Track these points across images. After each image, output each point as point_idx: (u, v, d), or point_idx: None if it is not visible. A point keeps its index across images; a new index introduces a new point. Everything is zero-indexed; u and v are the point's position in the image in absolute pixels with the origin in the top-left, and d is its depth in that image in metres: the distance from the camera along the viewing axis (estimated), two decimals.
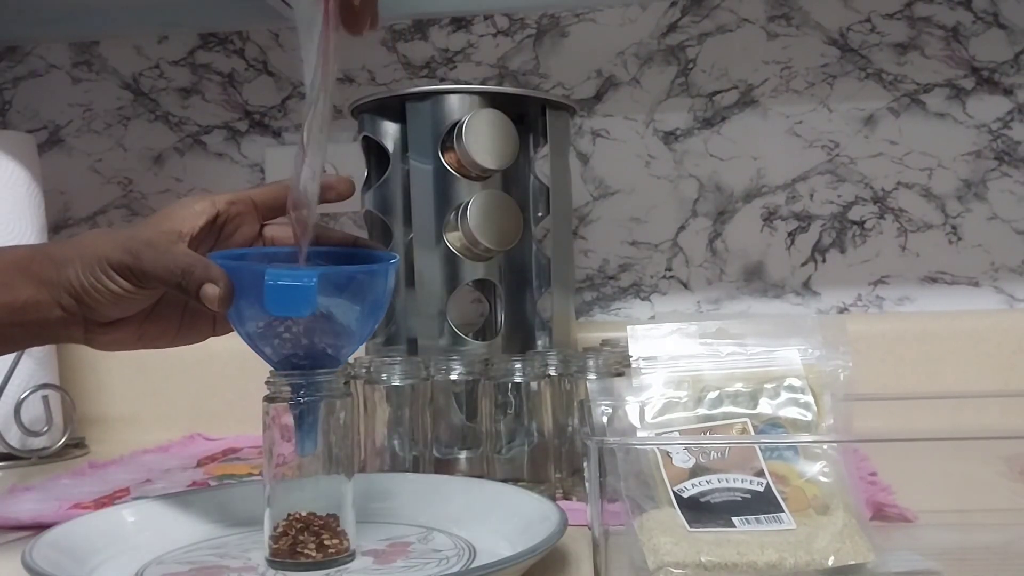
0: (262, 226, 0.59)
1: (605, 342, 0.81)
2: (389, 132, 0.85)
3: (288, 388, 0.55)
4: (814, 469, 0.52)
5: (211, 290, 0.52)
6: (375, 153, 0.87)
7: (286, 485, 0.55)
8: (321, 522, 0.54)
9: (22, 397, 0.93)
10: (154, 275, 0.53)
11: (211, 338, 0.62)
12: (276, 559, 0.54)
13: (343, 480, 0.55)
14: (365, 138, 0.86)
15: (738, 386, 0.56)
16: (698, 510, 0.50)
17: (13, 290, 0.55)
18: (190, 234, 0.55)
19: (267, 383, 0.55)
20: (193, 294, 0.52)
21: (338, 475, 0.55)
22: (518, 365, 0.71)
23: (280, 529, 0.54)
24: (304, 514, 0.54)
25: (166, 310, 0.59)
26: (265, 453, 0.55)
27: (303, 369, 0.54)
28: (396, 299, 0.84)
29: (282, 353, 0.54)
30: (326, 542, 0.54)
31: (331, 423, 0.55)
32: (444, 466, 0.73)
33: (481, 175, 0.80)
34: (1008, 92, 1.01)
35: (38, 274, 0.55)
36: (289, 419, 0.55)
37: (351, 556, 0.55)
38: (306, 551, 0.54)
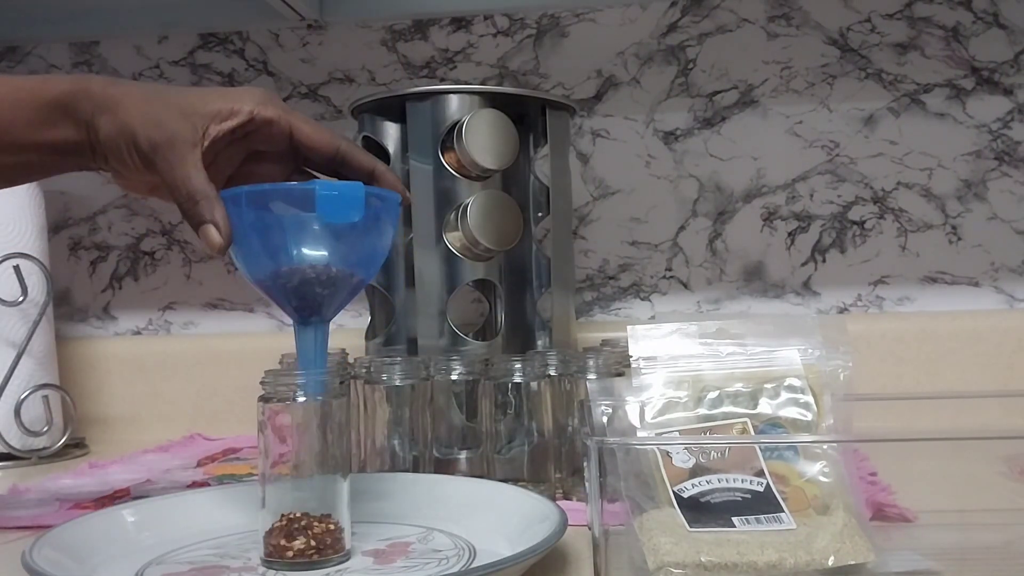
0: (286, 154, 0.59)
1: (605, 342, 0.81)
2: (389, 132, 0.85)
3: (283, 388, 0.55)
4: (814, 469, 0.52)
5: (212, 233, 0.53)
6: (375, 153, 0.87)
7: (281, 485, 0.55)
8: (316, 522, 0.54)
9: (22, 397, 0.93)
10: (166, 180, 0.54)
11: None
12: (271, 559, 0.54)
13: (338, 480, 0.55)
14: (365, 138, 0.86)
15: (738, 386, 0.56)
16: (698, 510, 0.50)
17: (56, 129, 0.55)
18: (216, 134, 0.55)
19: (262, 383, 0.55)
20: (192, 225, 0.53)
21: (333, 475, 0.55)
22: (518, 365, 0.71)
23: (275, 529, 0.54)
24: (299, 514, 0.54)
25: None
26: (260, 453, 0.55)
27: (319, 304, 0.55)
28: (396, 298, 0.84)
29: (304, 283, 0.54)
30: (320, 542, 0.54)
31: (327, 423, 0.55)
32: (444, 466, 0.73)
33: (481, 175, 0.80)
34: (1008, 92, 1.01)
35: (78, 114, 0.55)
36: (285, 419, 0.55)
37: (347, 556, 0.55)
38: (300, 550, 0.54)
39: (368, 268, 0.58)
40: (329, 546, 0.54)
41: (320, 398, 0.55)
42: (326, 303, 0.56)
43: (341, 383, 0.57)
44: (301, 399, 0.54)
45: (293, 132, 0.57)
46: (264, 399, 0.55)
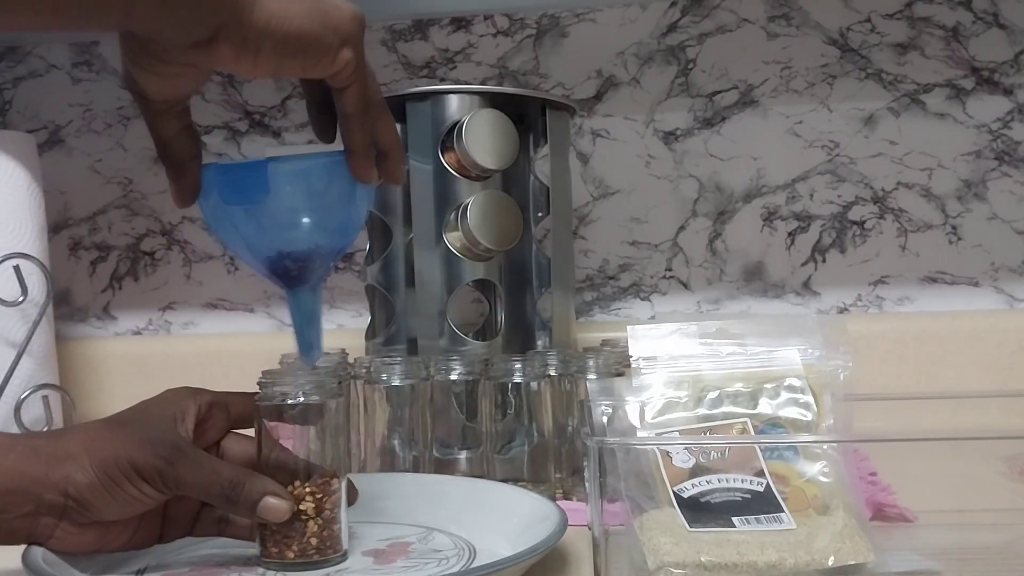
0: (228, 431, 0.59)
1: (605, 342, 0.81)
2: None
3: (280, 389, 0.54)
4: (814, 469, 0.53)
5: (273, 503, 0.52)
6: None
7: None
8: (314, 522, 0.54)
9: (22, 397, 0.93)
10: (193, 485, 0.52)
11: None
12: (267, 559, 0.54)
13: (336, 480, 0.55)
14: None
15: (738, 386, 0.56)
16: (698, 510, 0.50)
17: None
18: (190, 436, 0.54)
19: (259, 383, 0.55)
20: (246, 507, 0.52)
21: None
22: (518, 365, 0.71)
23: (270, 528, 0.54)
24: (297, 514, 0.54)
25: (148, 514, 0.55)
26: (256, 453, 0.55)
27: (295, 272, 0.54)
28: (396, 298, 0.84)
29: (275, 250, 0.54)
30: (319, 542, 0.54)
31: (325, 423, 0.55)
32: (444, 466, 0.73)
33: (481, 175, 0.80)
34: (1008, 92, 1.01)
35: (14, 466, 0.51)
36: (282, 419, 0.55)
37: (343, 556, 0.55)
38: (299, 551, 0.53)
39: (341, 235, 0.56)
40: (328, 547, 0.54)
41: (316, 399, 0.54)
42: (303, 275, 0.55)
43: (339, 383, 0.57)
44: (299, 399, 0.54)
45: (228, 405, 0.58)
46: (262, 399, 0.55)
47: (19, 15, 0.41)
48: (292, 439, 0.56)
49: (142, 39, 0.47)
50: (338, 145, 0.54)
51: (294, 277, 0.55)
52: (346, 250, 0.59)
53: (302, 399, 0.54)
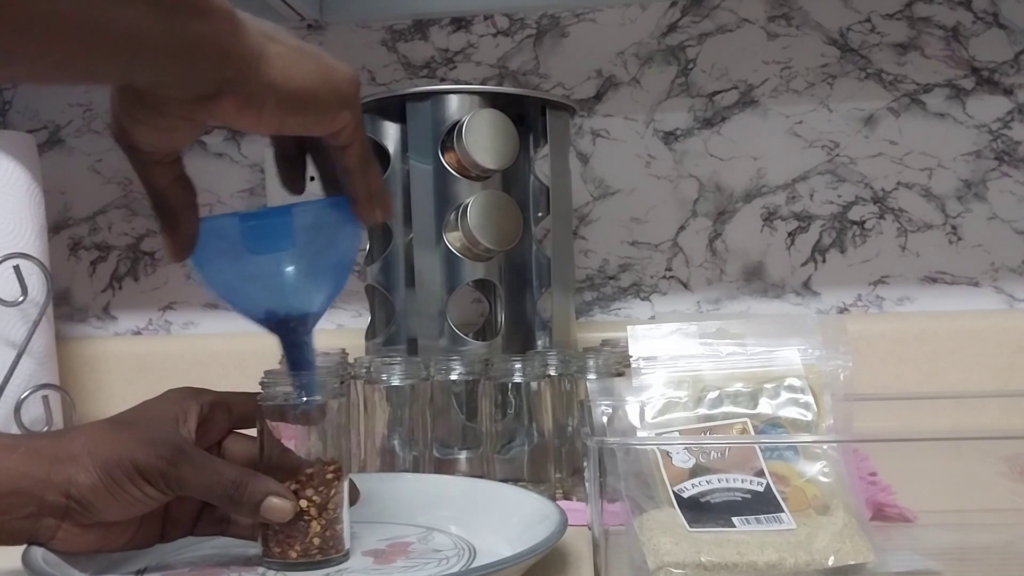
0: (229, 431, 0.59)
1: (605, 342, 0.81)
2: (389, 132, 0.85)
3: (282, 389, 0.54)
4: (814, 469, 0.53)
5: (276, 503, 0.52)
6: (375, 153, 0.87)
7: None
8: (315, 522, 0.54)
9: (22, 397, 0.93)
10: (196, 485, 0.52)
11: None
12: (269, 558, 0.54)
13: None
14: None
15: (738, 386, 0.56)
16: (698, 510, 0.50)
17: None
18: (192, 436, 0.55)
19: (261, 383, 0.55)
20: (249, 508, 0.52)
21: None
22: (518, 365, 0.71)
23: (273, 528, 0.54)
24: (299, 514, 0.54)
25: (150, 514, 0.55)
26: (259, 453, 0.55)
27: (284, 324, 0.54)
28: (396, 298, 0.84)
29: (262, 305, 0.54)
30: (321, 542, 0.54)
31: (326, 423, 0.55)
32: (444, 466, 0.73)
33: (481, 175, 0.80)
34: (1008, 92, 1.01)
35: (17, 467, 0.51)
36: (284, 420, 0.55)
37: (345, 556, 0.55)
38: (300, 551, 0.54)
39: (336, 280, 0.56)
40: (331, 547, 0.54)
41: (319, 399, 0.55)
42: (308, 326, 0.55)
43: (341, 383, 0.58)
44: (301, 399, 0.54)
45: (230, 405, 0.57)
46: (264, 399, 0.55)
47: (19, 67, 0.40)
48: (294, 439, 0.56)
49: (140, 91, 0.45)
50: (310, 196, 0.55)
51: (292, 329, 0.54)
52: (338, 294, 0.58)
53: (304, 399, 0.54)
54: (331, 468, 0.55)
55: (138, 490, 0.51)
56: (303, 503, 0.54)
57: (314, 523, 0.54)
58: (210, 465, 0.53)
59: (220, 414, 0.57)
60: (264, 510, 0.52)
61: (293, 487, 0.54)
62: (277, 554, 0.54)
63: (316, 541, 0.54)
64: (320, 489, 0.54)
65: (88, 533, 0.53)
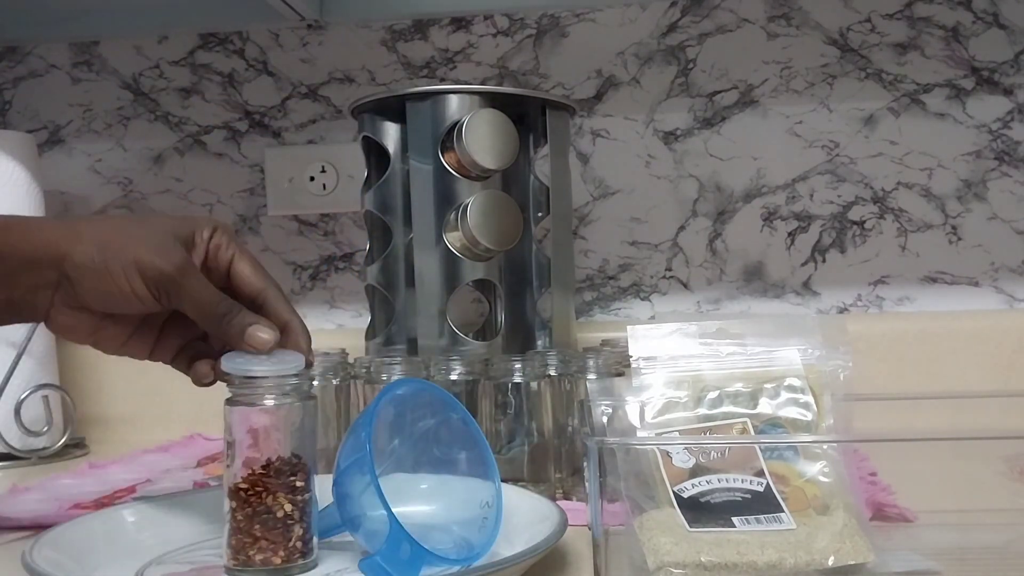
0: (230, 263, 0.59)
1: (605, 342, 0.81)
2: (389, 132, 0.85)
3: (249, 391, 0.53)
4: (814, 469, 0.52)
5: (261, 331, 0.53)
6: (375, 153, 0.87)
7: None
8: (298, 524, 0.53)
9: (22, 397, 0.93)
10: (194, 300, 0.54)
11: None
12: (235, 567, 0.53)
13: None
14: (365, 138, 0.86)
15: (738, 386, 0.56)
16: (698, 510, 0.50)
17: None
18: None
19: (228, 385, 0.54)
20: (236, 332, 0.54)
21: None
22: (518, 365, 0.71)
23: (254, 536, 0.52)
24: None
25: (146, 327, 0.59)
26: (225, 458, 0.54)
27: None
28: (396, 298, 0.84)
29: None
30: (301, 545, 0.53)
31: (295, 427, 0.54)
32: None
33: (481, 175, 0.80)
34: (1008, 92, 1.01)
35: (23, 238, 0.54)
36: (254, 422, 0.53)
37: (314, 563, 0.54)
38: (282, 556, 0.52)
39: None
40: (309, 549, 0.53)
41: (288, 401, 0.54)
42: None
43: (309, 386, 0.56)
44: (269, 402, 0.53)
45: (234, 261, 0.58)
46: (230, 401, 0.54)
47: None
48: (262, 442, 0.54)
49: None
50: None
51: None
52: None
53: (275, 402, 0.53)
54: (303, 469, 0.54)
55: (128, 284, 0.53)
56: (288, 507, 0.52)
57: (296, 527, 0.53)
58: (210, 288, 0.55)
59: (222, 258, 0.58)
60: (249, 336, 0.53)
61: (274, 493, 0.53)
62: (260, 562, 0.52)
63: (299, 545, 0.53)
64: (300, 490, 0.53)
65: (80, 318, 0.56)
